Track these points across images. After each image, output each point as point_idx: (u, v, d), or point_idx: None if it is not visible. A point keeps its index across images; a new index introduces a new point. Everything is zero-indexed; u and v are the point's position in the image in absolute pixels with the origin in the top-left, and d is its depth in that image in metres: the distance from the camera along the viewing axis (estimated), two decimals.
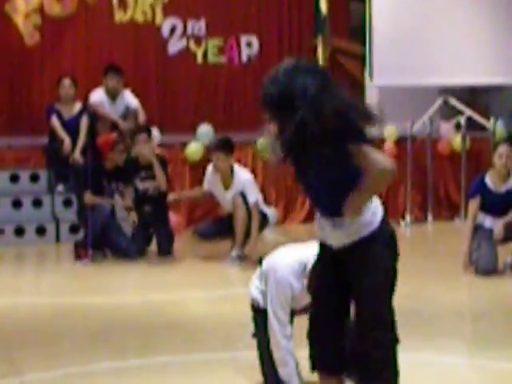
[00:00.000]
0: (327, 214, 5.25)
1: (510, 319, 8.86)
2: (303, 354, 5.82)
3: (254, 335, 6.41)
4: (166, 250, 11.26)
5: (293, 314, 6.30)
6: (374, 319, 5.38)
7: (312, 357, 5.43)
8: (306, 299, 6.19)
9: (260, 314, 6.30)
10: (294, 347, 6.22)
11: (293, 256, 6.33)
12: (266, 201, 12.23)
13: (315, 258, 5.49)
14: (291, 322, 6.32)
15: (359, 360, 5.39)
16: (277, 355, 6.18)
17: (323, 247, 5.36)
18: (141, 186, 11.24)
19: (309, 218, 13.35)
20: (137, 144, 11.24)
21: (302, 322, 5.49)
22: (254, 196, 10.87)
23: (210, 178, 11.13)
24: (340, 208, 5.14)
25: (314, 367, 5.45)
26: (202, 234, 11.05)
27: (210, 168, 11.14)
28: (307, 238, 12.17)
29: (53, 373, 7.06)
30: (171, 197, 11.51)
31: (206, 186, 11.25)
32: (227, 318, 8.37)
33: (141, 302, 9.42)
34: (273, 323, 6.19)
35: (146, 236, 11.44)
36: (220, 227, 11.06)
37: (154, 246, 11.46)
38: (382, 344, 5.35)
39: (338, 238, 5.27)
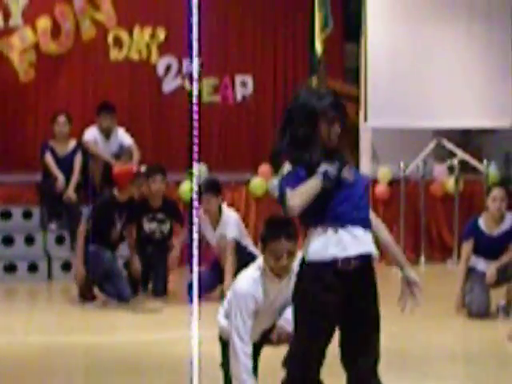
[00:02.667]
0: (363, 222, 5.37)
1: (502, 363, 8.85)
2: None
3: (222, 365, 6.47)
4: (161, 291, 11.27)
5: (260, 345, 6.34)
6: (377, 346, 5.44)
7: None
8: (270, 318, 6.21)
9: (227, 346, 6.28)
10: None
11: (251, 267, 6.33)
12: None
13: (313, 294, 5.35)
14: (258, 354, 6.37)
15: None
16: (235, 371, 6.13)
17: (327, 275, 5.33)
18: (148, 227, 11.29)
19: None
20: (153, 183, 11.26)
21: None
22: (233, 232, 10.84)
23: (200, 221, 10.87)
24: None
25: None
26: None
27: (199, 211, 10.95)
28: None
29: None
30: (177, 241, 11.42)
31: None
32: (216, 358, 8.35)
33: (131, 342, 9.41)
34: (234, 340, 6.14)
35: (145, 277, 11.43)
36: (215, 274, 11.01)
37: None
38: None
39: (369, 244, 5.37)
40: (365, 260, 5.38)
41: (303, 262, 5.39)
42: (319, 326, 5.34)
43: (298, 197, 5.28)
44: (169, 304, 10.99)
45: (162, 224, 11.33)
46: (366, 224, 5.39)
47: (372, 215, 5.54)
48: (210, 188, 10.89)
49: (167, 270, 11.35)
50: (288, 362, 5.76)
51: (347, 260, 5.31)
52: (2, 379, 7.99)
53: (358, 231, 5.33)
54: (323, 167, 5.26)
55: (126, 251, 11.51)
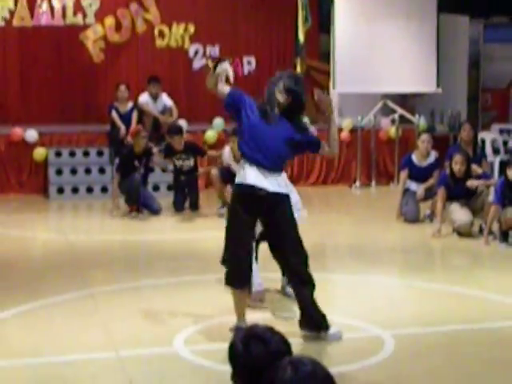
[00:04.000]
0: (268, 165, 5.30)
1: (428, 253, 8.95)
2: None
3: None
4: (195, 206, 11.11)
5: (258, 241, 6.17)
6: (296, 247, 5.42)
7: (232, 276, 5.43)
8: None
9: None
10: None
11: None
12: None
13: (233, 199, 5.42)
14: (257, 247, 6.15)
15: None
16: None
17: (241, 193, 5.33)
18: (177, 163, 11.13)
19: (318, 181, 13.67)
20: (172, 141, 11.05)
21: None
22: None
23: (227, 156, 10.61)
24: (280, 163, 5.38)
25: (240, 285, 5.46)
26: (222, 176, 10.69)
27: (226, 148, 10.65)
28: (317, 199, 12.26)
29: (112, 286, 7.14)
30: (201, 170, 11.41)
31: (224, 160, 10.64)
32: None
33: (174, 239, 9.50)
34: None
35: (184, 197, 11.20)
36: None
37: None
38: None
39: (271, 185, 5.30)
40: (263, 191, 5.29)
41: None
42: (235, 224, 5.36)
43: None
44: (200, 215, 10.93)
45: (187, 160, 11.10)
46: (264, 166, 5.30)
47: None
48: (235, 132, 10.76)
49: (198, 191, 11.22)
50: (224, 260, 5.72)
51: (247, 186, 5.30)
52: (83, 262, 8.10)
53: (259, 171, 5.30)
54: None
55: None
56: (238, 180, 5.41)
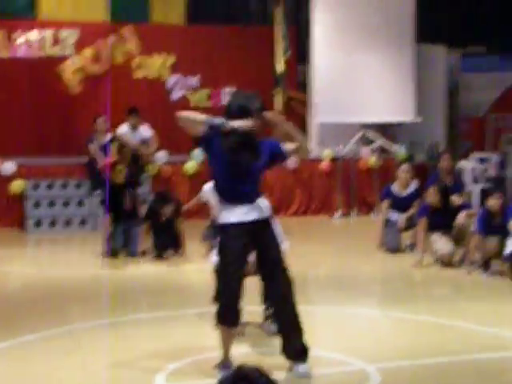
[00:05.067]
0: (252, 197, 5.30)
1: (408, 283, 8.90)
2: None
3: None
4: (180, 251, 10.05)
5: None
6: (285, 273, 5.37)
7: (224, 314, 5.34)
8: None
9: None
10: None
11: None
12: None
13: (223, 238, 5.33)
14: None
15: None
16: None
17: (229, 231, 5.28)
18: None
19: (299, 212, 13.52)
20: (162, 212, 9.97)
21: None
22: None
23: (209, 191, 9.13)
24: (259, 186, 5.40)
25: (230, 323, 5.38)
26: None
27: (208, 184, 8.99)
28: (298, 229, 12.16)
29: (91, 322, 7.02)
30: (185, 207, 10.18)
31: (203, 197, 9.11)
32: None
33: (154, 273, 9.40)
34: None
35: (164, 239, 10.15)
36: None
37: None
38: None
39: (255, 214, 5.29)
40: (253, 222, 5.29)
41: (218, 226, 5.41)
42: (228, 263, 5.30)
43: (184, 113, 5.30)
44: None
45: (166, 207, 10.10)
46: (250, 198, 5.30)
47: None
48: None
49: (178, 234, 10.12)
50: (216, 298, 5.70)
51: (236, 224, 5.27)
52: (59, 299, 7.96)
53: (243, 206, 5.28)
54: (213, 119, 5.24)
55: None
56: (223, 220, 5.33)
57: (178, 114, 5.28)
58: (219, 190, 5.38)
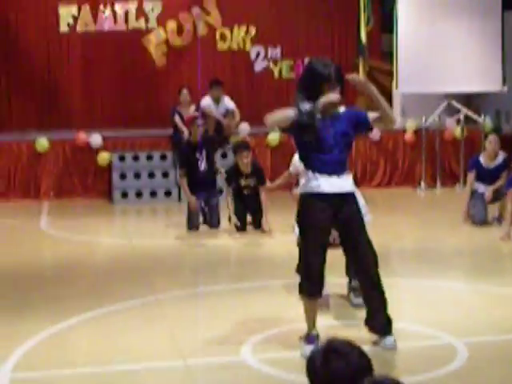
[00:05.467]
0: (339, 168, 5.25)
1: (496, 255, 8.72)
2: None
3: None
4: (259, 224, 9.79)
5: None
6: (370, 246, 5.31)
7: (310, 287, 5.30)
8: None
9: None
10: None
11: None
12: None
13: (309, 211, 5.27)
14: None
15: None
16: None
17: (314, 202, 5.22)
18: (243, 182, 9.85)
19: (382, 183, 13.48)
20: (240, 159, 9.82)
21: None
22: None
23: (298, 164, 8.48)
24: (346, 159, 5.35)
25: (313, 295, 5.35)
26: None
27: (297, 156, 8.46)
28: (382, 201, 11.90)
29: (178, 292, 7.08)
30: (269, 186, 9.91)
31: (292, 169, 8.72)
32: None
33: (240, 244, 9.42)
34: None
35: (245, 212, 9.92)
36: None
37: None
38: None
39: (341, 186, 5.24)
40: (338, 195, 5.23)
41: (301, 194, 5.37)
42: (312, 234, 5.24)
43: (274, 118, 5.19)
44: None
45: (251, 180, 9.83)
46: (337, 170, 5.24)
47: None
48: None
49: (260, 209, 9.82)
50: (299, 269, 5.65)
51: (325, 195, 5.21)
52: (150, 268, 8.06)
53: (332, 179, 5.22)
54: (302, 105, 5.10)
55: None
56: (306, 189, 5.29)
57: (265, 119, 5.20)
58: (306, 160, 5.33)
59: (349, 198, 5.33)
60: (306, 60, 15.14)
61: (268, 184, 9.96)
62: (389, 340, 5.38)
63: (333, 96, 5.16)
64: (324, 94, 5.16)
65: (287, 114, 5.17)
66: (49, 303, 6.70)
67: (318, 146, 5.22)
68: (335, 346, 2.63)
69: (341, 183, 5.28)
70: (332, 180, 5.26)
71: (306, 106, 5.10)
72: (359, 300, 6.12)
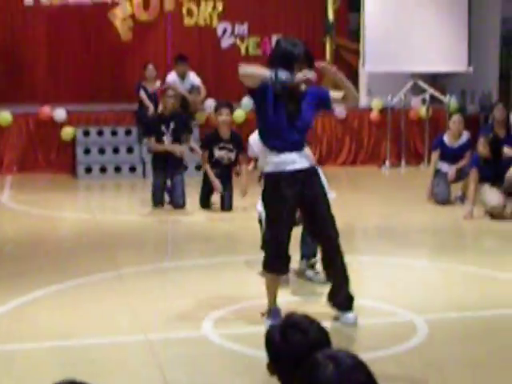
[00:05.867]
0: (301, 145, 5.27)
1: (458, 234, 8.81)
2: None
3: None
4: (229, 207, 9.59)
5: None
6: (334, 223, 5.33)
7: (275, 263, 5.33)
8: None
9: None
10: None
11: None
12: None
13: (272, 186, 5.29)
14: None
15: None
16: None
17: (279, 180, 5.22)
18: (217, 154, 9.57)
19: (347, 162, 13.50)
20: (219, 116, 9.55)
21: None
22: None
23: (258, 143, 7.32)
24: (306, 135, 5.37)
25: (278, 271, 5.39)
26: None
27: (255, 134, 7.28)
28: (346, 179, 11.88)
29: (141, 267, 7.06)
30: (244, 169, 9.49)
31: (252, 150, 7.89)
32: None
33: (203, 219, 9.40)
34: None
35: (212, 192, 9.72)
36: None
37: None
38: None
39: (304, 162, 5.25)
40: (303, 171, 5.25)
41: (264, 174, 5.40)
42: (280, 212, 5.25)
43: (247, 67, 5.17)
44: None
45: (230, 152, 9.58)
46: (299, 146, 5.26)
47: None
48: None
49: (231, 189, 9.65)
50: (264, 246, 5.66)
51: (286, 172, 5.22)
52: (113, 243, 8.03)
53: (293, 155, 5.23)
54: (280, 72, 5.07)
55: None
56: (272, 169, 5.27)
57: (240, 67, 5.17)
58: (268, 138, 5.31)
59: (312, 171, 5.35)
60: (274, 38, 15.13)
61: (242, 168, 9.59)
62: (350, 316, 5.42)
63: (310, 74, 5.15)
64: (294, 73, 5.14)
65: (262, 72, 5.15)
66: (11, 278, 6.65)
67: (282, 122, 5.21)
68: (293, 320, 2.64)
69: (302, 158, 5.29)
70: (294, 156, 5.26)
71: (283, 75, 5.08)
72: (319, 276, 6.26)
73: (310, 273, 6.48)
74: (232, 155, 9.64)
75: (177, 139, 9.95)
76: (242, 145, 9.57)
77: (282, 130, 5.22)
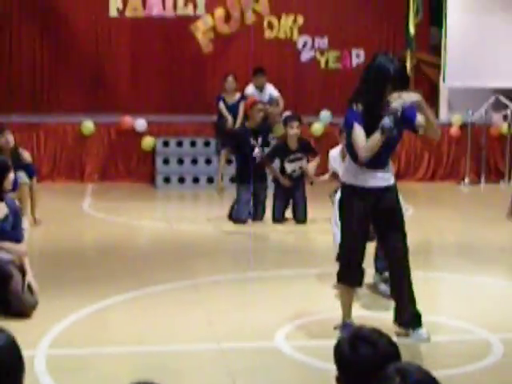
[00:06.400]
0: (386, 163, 5.29)
1: None
2: None
3: None
4: (304, 219, 9.57)
5: None
6: (405, 245, 5.29)
7: (349, 275, 5.32)
8: None
9: None
10: None
11: None
12: None
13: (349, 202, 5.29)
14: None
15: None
16: None
17: (357, 193, 5.22)
18: (288, 167, 9.62)
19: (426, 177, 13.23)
20: (290, 129, 9.59)
21: None
22: None
23: (337, 158, 7.56)
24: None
25: (352, 283, 5.39)
26: None
27: (334, 150, 7.90)
28: (424, 195, 11.63)
29: (216, 277, 7.13)
30: (309, 180, 9.65)
31: (333, 166, 7.93)
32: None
33: (281, 231, 9.43)
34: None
35: (286, 206, 9.74)
36: None
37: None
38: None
39: (382, 181, 5.24)
40: (381, 189, 5.25)
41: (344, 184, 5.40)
42: (355, 224, 5.24)
43: (369, 150, 5.13)
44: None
45: (300, 161, 9.62)
46: (384, 164, 5.27)
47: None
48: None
49: (306, 202, 9.62)
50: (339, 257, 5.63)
51: (367, 188, 5.22)
52: (188, 252, 8.12)
53: (377, 172, 5.24)
54: (381, 122, 5.04)
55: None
56: (354, 182, 5.27)
57: (362, 153, 5.14)
58: (356, 156, 5.26)
59: (390, 190, 5.35)
60: (354, 51, 15.13)
61: (311, 177, 9.61)
62: (421, 331, 5.37)
63: (414, 97, 5.15)
64: (387, 93, 5.11)
65: (376, 140, 5.11)
66: (88, 283, 6.80)
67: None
68: (363, 333, 2.65)
69: (385, 176, 5.29)
70: (378, 174, 5.26)
71: (387, 122, 5.07)
72: (387, 288, 6.18)
73: (382, 287, 6.44)
74: (304, 162, 9.66)
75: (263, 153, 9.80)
76: (311, 148, 9.85)
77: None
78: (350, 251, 5.30)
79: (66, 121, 13.09)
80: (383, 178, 5.29)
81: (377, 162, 5.24)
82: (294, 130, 9.63)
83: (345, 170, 5.42)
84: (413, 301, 5.39)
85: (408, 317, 5.39)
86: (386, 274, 6.39)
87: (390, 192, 5.35)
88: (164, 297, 6.43)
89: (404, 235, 5.36)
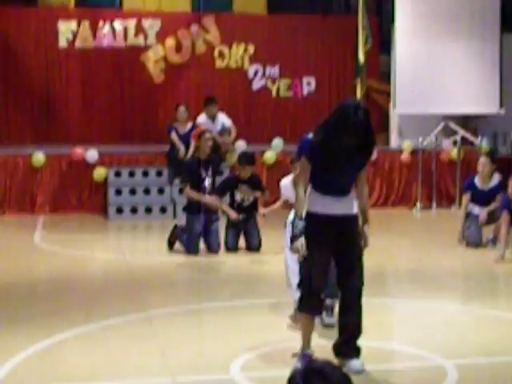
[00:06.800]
0: (348, 190, 5.28)
1: (489, 278, 8.71)
2: None
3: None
4: (255, 248, 9.69)
5: None
6: (361, 273, 5.29)
7: (310, 303, 5.28)
8: None
9: None
10: None
11: None
12: None
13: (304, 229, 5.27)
14: None
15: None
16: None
17: (320, 221, 5.23)
18: (239, 197, 9.72)
19: (378, 203, 13.26)
20: (243, 171, 9.65)
21: None
22: None
23: (289, 187, 7.16)
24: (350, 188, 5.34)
25: (312, 311, 5.35)
26: None
27: (286, 179, 7.63)
28: (377, 221, 11.92)
29: (170, 309, 7.08)
30: (261, 211, 9.57)
31: (285, 194, 7.69)
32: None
33: (235, 261, 9.41)
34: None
35: (238, 236, 9.75)
36: None
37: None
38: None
39: (345, 208, 5.25)
40: (343, 217, 5.26)
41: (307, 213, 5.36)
42: (317, 251, 5.22)
43: (298, 189, 5.24)
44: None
45: (250, 193, 9.69)
46: (346, 191, 5.28)
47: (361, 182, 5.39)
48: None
49: (259, 231, 9.75)
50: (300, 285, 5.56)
51: (330, 215, 5.23)
52: (141, 284, 8.06)
53: (339, 200, 5.25)
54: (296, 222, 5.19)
55: None
56: (316, 210, 5.26)
57: (295, 184, 5.32)
58: (317, 182, 5.28)
59: (352, 219, 5.33)
60: (305, 79, 15.27)
61: (261, 210, 9.60)
62: (356, 363, 5.29)
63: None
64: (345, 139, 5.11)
65: (297, 207, 5.24)
66: (40, 318, 6.69)
67: (335, 169, 5.24)
68: (316, 365, 2.63)
69: (347, 204, 5.28)
70: (339, 201, 5.26)
71: (300, 225, 5.18)
72: (331, 320, 6.15)
73: (323, 315, 6.31)
74: (252, 196, 9.70)
75: (214, 184, 9.77)
76: (260, 185, 9.87)
77: (333, 176, 5.23)
78: (312, 279, 5.27)
79: (16, 153, 12.96)
80: (346, 206, 5.28)
81: (339, 189, 5.25)
82: (246, 173, 9.68)
83: (307, 197, 5.41)
84: (358, 336, 5.35)
85: (350, 348, 5.34)
86: (327, 301, 6.30)
87: (352, 220, 5.34)
88: (117, 330, 6.35)
89: (361, 269, 5.34)
